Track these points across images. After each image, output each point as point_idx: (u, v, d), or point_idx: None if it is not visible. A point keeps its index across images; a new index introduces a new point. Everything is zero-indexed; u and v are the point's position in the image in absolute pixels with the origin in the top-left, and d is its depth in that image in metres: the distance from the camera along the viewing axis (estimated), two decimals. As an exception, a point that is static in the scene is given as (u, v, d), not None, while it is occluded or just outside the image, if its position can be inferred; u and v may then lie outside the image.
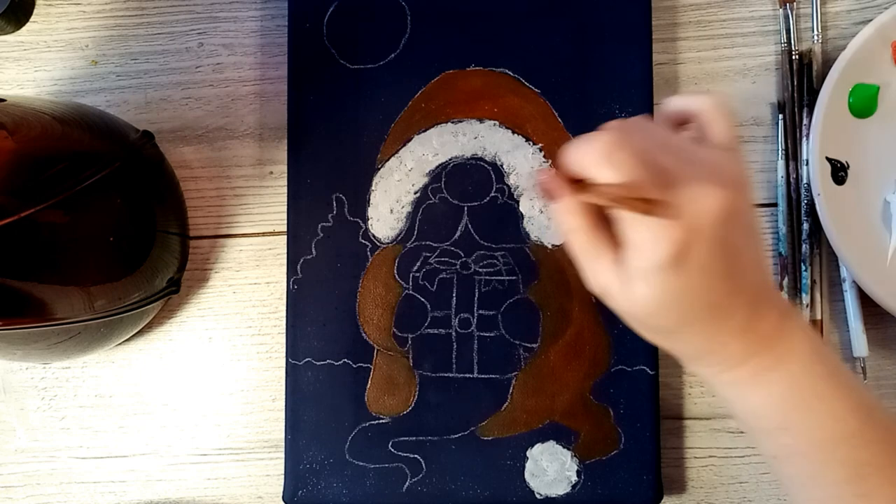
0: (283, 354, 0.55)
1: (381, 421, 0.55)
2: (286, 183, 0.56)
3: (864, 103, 0.55)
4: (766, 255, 0.55)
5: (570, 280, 0.55)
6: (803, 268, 0.56)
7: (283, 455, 0.55)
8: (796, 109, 0.57)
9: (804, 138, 0.56)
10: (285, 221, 0.56)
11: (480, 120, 0.55)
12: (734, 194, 0.36)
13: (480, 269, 0.55)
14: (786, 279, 0.56)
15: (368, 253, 0.55)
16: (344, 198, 0.55)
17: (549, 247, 0.55)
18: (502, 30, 0.56)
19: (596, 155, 0.36)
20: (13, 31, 0.59)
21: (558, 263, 0.55)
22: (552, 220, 0.54)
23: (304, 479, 0.54)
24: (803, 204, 0.56)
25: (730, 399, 0.40)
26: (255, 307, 0.58)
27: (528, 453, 0.54)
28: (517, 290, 0.55)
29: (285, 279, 0.56)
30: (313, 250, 0.55)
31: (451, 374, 0.55)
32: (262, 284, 0.58)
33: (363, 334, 0.55)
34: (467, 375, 0.55)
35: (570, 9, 0.55)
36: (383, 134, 0.56)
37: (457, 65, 0.56)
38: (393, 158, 0.55)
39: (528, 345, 0.54)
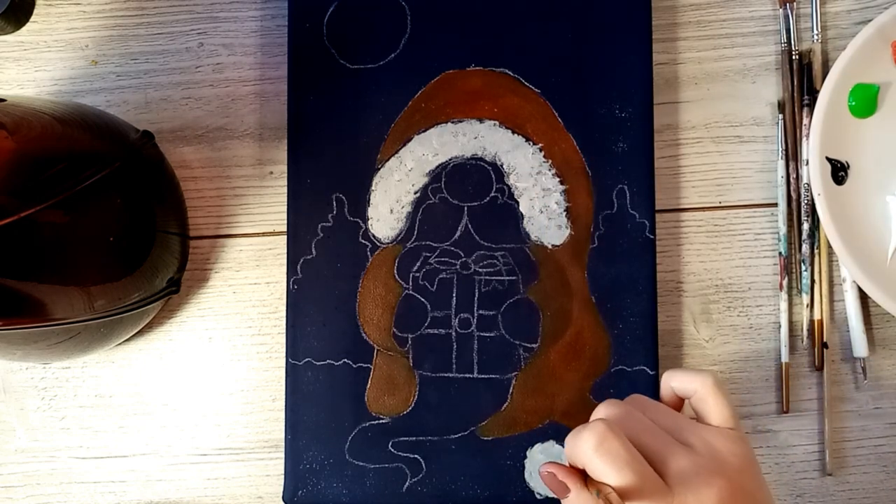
0: (283, 354, 0.55)
1: (381, 421, 0.55)
2: (286, 183, 0.56)
3: (864, 103, 0.55)
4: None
5: (570, 280, 0.55)
6: (803, 268, 0.56)
7: (283, 455, 0.55)
8: (796, 109, 0.57)
9: (804, 138, 0.56)
10: (285, 221, 0.56)
11: (480, 120, 0.56)
12: (734, 480, 0.37)
13: (480, 269, 0.55)
14: (786, 279, 0.56)
15: (368, 253, 0.55)
16: (344, 198, 0.55)
17: (549, 247, 0.55)
18: (502, 30, 0.56)
19: (589, 446, 0.37)
20: (13, 31, 0.59)
21: (558, 263, 0.55)
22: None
23: (304, 479, 0.54)
24: (803, 204, 0.56)
25: None
26: (255, 307, 0.58)
27: (527, 453, 0.54)
28: (517, 290, 0.55)
29: (285, 279, 0.56)
30: (313, 250, 0.55)
31: (451, 374, 0.55)
32: (262, 284, 0.58)
33: (363, 334, 0.55)
34: (467, 375, 0.55)
35: (570, 9, 0.56)
36: (383, 134, 0.56)
37: (457, 65, 0.56)
38: (393, 158, 0.55)
39: (528, 345, 0.54)
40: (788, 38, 0.57)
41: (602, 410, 0.40)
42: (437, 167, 0.55)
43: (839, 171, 0.55)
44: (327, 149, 0.56)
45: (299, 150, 0.56)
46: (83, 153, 0.48)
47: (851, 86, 0.54)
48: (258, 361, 0.57)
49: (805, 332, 0.56)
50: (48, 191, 0.45)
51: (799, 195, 0.56)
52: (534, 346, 0.54)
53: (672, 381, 0.42)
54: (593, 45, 0.55)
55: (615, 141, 0.55)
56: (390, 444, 0.54)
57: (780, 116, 0.57)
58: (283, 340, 0.55)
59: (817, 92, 0.55)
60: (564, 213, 0.55)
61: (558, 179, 0.55)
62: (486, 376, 0.54)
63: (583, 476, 0.39)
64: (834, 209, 0.54)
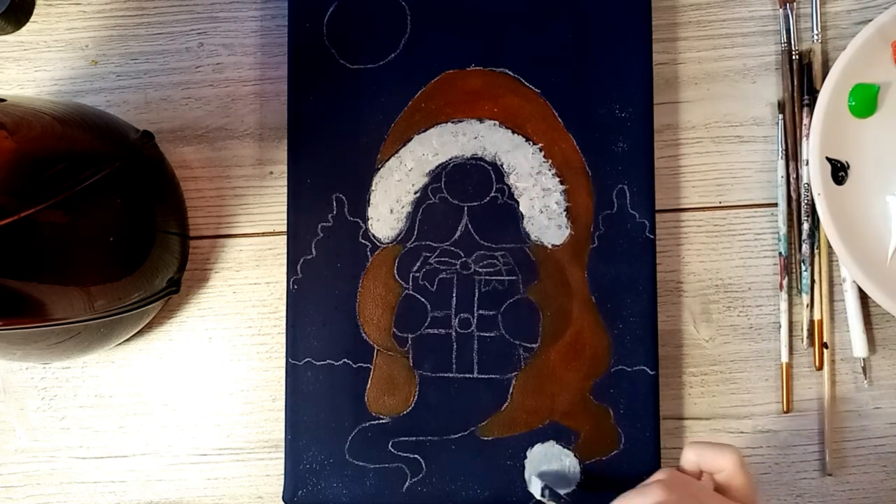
0: (283, 354, 0.55)
1: (381, 421, 0.55)
2: (286, 183, 0.56)
3: (864, 103, 0.55)
4: None
5: (570, 280, 0.55)
6: (803, 268, 0.56)
7: (283, 455, 0.55)
8: (796, 109, 0.57)
9: (804, 138, 0.56)
10: (285, 221, 0.56)
11: (480, 120, 0.56)
12: None
13: (480, 269, 0.55)
14: (786, 279, 0.56)
15: (368, 253, 0.55)
16: (344, 198, 0.55)
17: (549, 247, 0.55)
18: (502, 30, 0.56)
19: None
20: (13, 31, 0.59)
21: (558, 263, 0.55)
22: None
23: (304, 479, 0.54)
24: (803, 204, 0.56)
25: None
26: (255, 307, 0.58)
27: (527, 453, 0.54)
28: (517, 290, 0.55)
29: (285, 279, 0.56)
30: (313, 250, 0.55)
31: (451, 374, 0.55)
32: (262, 284, 0.58)
33: (363, 334, 0.55)
34: (467, 375, 0.55)
35: (570, 9, 0.56)
36: (383, 134, 0.56)
37: (457, 65, 0.56)
38: (393, 158, 0.55)
39: (528, 345, 0.54)
40: (788, 38, 0.57)
41: (656, 482, 0.43)
42: (437, 167, 0.55)
43: (839, 171, 0.55)
44: (327, 149, 0.56)
45: (299, 150, 0.56)
46: (83, 153, 0.48)
47: (851, 86, 0.54)
48: (258, 361, 0.57)
49: (805, 332, 0.56)
50: (48, 191, 0.45)
51: (799, 195, 0.56)
52: (534, 346, 0.54)
53: (696, 456, 0.45)
54: (593, 45, 0.55)
55: (615, 141, 0.55)
56: (390, 444, 0.54)
57: (780, 116, 0.57)
58: (283, 340, 0.55)
59: (817, 92, 0.55)
60: (564, 213, 0.55)
61: (558, 179, 0.55)
62: (486, 376, 0.54)
63: None
64: (834, 209, 0.54)
